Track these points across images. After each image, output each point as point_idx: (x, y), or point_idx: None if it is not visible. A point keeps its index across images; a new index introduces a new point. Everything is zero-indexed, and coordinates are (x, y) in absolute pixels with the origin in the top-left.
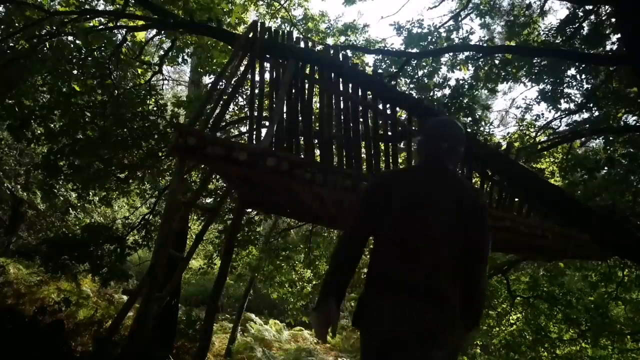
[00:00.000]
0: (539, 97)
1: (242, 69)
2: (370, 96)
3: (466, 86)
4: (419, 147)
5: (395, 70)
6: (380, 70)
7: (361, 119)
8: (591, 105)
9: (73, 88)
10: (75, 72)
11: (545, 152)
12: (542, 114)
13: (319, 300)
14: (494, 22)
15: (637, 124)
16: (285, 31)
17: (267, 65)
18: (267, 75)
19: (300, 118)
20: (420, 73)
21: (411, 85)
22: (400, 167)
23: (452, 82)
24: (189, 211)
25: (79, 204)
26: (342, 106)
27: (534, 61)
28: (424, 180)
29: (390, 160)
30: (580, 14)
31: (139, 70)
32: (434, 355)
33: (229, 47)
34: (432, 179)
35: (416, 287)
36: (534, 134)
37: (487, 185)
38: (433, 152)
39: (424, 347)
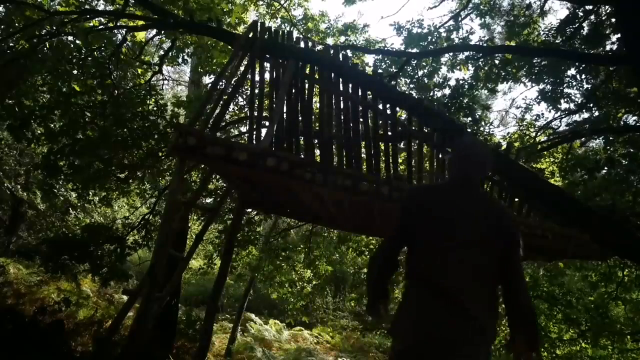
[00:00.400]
0: (539, 97)
1: (242, 69)
2: (370, 96)
3: (466, 86)
4: (450, 164)
5: (395, 70)
6: (380, 70)
7: (361, 119)
8: (591, 105)
9: (73, 88)
10: (75, 72)
11: (545, 152)
12: (542, 114)
13: (369, 305)
14: (494, 22)
15: (637, 124)
16: (285, 31)
17: (267, 65)
18: (267, 75)
19: (300, 118)
20: (420, 73)
21: (411, 85)
22: (435, 182)
23: (452, 82)
24: (189, 211)
25: (79, 204)
26: (342, 106)
27: (534, 61)
28: (456, 196)
29: (390, 160)
30: (580, 14)
31: (139, 70)
32: None
33: (229, 47)
34: (463, 195)
35: (444, 297)
36: (534, 134)
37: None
38: (464, 171)
39: (445, 354)
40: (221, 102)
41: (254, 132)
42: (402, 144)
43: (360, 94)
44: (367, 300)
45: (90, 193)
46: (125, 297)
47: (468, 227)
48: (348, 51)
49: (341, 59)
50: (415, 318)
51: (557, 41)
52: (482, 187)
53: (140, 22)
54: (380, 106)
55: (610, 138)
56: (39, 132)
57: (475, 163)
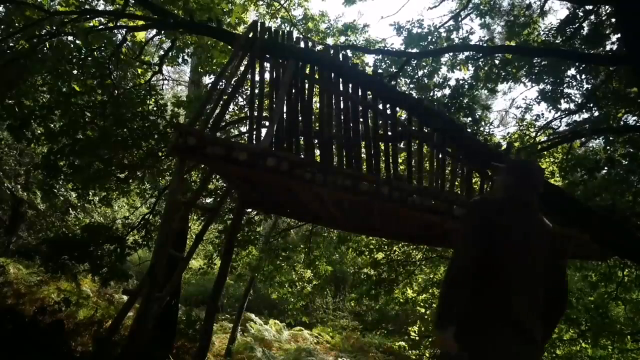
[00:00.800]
0: (539, 97)
1: (242, 69)
2: (370, 96)
3: (466, 86)
4: (505, 183)
5: (395, 70)
6: (380, 70)
7: (361, 119)
8: (591, 105)
9: (73, 88)
10: (75, 72)
11: (545, 152)
12: (542, 114)
13: (439, 330)
14: (494, 22)
15: (637, 124)
16: (285, 31)
17: (267, 65)
18: (267, 75)
19: (300, 118)
20: (420, 73)
21: (411, 85)
22: (491, 196)
23: (452, 82)
24: (189, 211)
25: (79, 204)
26: (342, 106)
27: (534, 61)
28: (521, 220)
29: (390, 160)
30: (580, 14)
31: (139, 70)
32: None
33: (229, 47)
34: (527, 219)
35: (516, 324)
36: (534, 134)
37: (487, 185)
38: (523, 192)
39: None
40: (221, 102)
41: (254, 132)
42: (402, 144)
43: (360, 94)
44: (437, 319)
45: (90, 193)
46: (125, 297)
47: (537, 259)
48: (348, 51)
49: (341, 59)
50: (490, 348)
51: (557, 41)
52: (537, 209)
53: (140, 22)
54: (380, 106)
55: (610, 138)
56: (39, 132)
57: (532, 185)
